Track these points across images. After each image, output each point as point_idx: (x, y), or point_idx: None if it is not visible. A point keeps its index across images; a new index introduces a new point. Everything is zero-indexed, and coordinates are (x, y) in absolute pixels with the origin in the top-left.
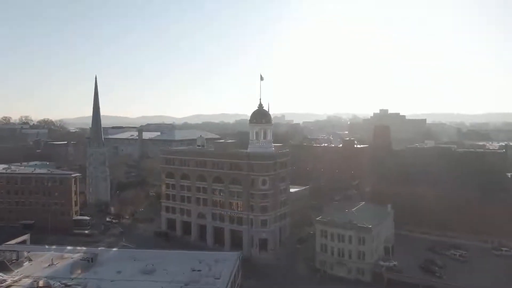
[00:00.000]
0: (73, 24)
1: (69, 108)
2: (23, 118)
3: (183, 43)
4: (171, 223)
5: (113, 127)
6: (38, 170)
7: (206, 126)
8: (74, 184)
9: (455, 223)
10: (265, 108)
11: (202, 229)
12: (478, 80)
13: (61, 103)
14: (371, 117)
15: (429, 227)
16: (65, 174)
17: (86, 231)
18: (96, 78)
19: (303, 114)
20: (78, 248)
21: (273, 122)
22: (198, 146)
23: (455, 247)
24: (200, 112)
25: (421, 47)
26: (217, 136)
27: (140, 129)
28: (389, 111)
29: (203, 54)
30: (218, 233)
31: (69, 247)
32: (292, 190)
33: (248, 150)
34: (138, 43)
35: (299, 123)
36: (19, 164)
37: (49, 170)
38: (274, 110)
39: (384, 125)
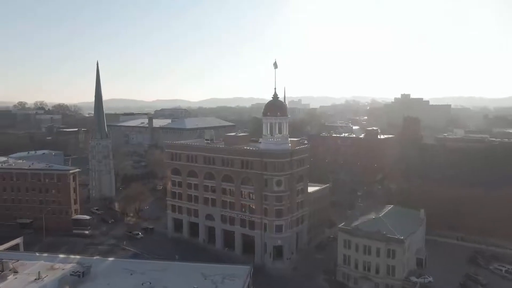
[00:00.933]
0: (89, 6)
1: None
2: (38, 103)
3: (199, 26)
4: (177, 224)
5: (124, 114)
6: (35, 165)
7: (221, 110)
8: (73, 180)
9: (497, 228)
10: (281, 94)
11: (211, 231)
12: (500, 62)
13: (80, 87)
14: (392, 102)
15: (467, 232)
16: (62, 169)
17: (86, 231)
18: (97, 65)
19: (320, 98)
20: (72, 257)
21: (289, 106)
22: (207, 140)
23: (498, 259)
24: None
25: (439, 28)
26: (231, 124)
27: (151, 117)
28: (410, 95)
29: (218, 37)
30: (228, 236)
31: (61, 256)
32: (310, 189)
33: (261, 147)
34: (155, 26)
35: (316, 108)
36: (26, 152)
37: (47, 164)
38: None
39: (413, 117)
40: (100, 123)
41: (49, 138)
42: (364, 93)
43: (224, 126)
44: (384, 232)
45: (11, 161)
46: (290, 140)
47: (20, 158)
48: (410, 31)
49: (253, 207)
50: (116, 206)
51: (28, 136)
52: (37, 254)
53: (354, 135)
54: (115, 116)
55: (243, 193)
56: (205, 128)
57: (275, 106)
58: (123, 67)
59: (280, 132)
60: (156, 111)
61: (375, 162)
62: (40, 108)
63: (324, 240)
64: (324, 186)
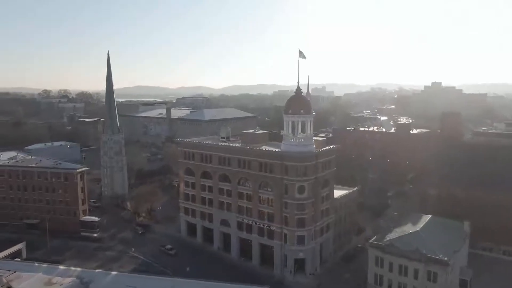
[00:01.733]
0: None
1: (117, 78)
2: (62, 91)
3: (220, 12)
4: (191, 228)
5: (143, 104)
6: (43, 162)
7: (243, 98)
8: (81, 179)
9: None
10: (304, 81)
11: (226, 237)
12: None
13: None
14: (422, 91)
15: None
16: (68, 168)
17: (95, 234)
18: (108, 55)
19: (344, 85)
20: (72, 269)
21: (312, 94)
22: (222, 138)
23: None
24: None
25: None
26: (251, 115)
27: (169, 108)
28: (441, 83)
29: (241, 22)
30: (245, 245)
31: (61, 267)
32: (336, 192)
33: (282, 148)
34: (178, 13)
35: (340, 96)
36: (43, 144)
37: (55, 161)
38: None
39: (454, 112)
40: (112, 117)
41: (69, 128)
42: (390, 80)
43: (243, 118)
44: (424, 251)
45: (19, 156)
46: (315, 140)
47: (36, 150)
48: (443, 11)
49: (272, 214)
50: (128, 205)
51: (48, 126)
52: (36, 264)
53: (383, 129)
54: (134, 107)
55: (261, 198)
56: (224, 119)
57: (298, 103)
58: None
59: (303, 131)
60: (177, 100)
61: (406, 159)
62: (64, 96)
63: (352, 250)
64: (352, 189)
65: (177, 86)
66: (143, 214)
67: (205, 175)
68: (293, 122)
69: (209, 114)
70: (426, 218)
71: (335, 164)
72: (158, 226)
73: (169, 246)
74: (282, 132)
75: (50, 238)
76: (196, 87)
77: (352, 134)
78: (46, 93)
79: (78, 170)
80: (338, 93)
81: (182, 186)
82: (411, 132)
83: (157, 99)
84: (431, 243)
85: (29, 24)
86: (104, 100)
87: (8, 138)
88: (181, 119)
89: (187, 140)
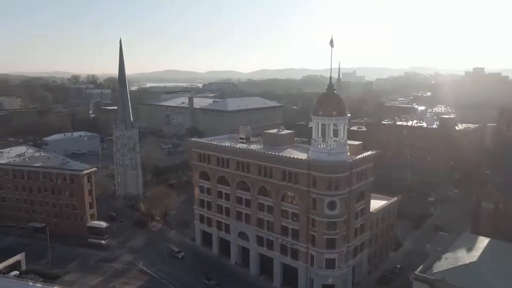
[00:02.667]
0: None
1: (147, 62)
2: (90, 77)
3: None
4: (206, 237)
5: (166, 92)
6: (51, 160)
7: (271, 83)
8: (88, 181)
9: None
10: (331, 64)
11: (245, 252)
12: None
13: (141, 58)
14: (462, 77)
15: None
16: (74, 169)
17: (103, 241)
18: (120, 43)
19: (376, 69)
20: None
21: (342, 80)
22: (242, 139)
23: None
24: (266, 66)
25: None
26: (278, 105)
27: (191, 97)
28: (484, 69)
29: (269, 6)
30: (265, 262)
31: None
32: (373, 203)
33: (310, 155)
34: None
35: (371, 81)
36: (62, 135)
37: (63, 160)
38: (343, 65)
39: None
40: (125, 110)
41: (93, 115)
42: (424, 63)
43: (269, 108)
44: None
45: (28, 153)
46: (349, 144)
47: (54, 141)
48: None
49: (297, 231)
50: (142, 206)
51: (71, 114)
52: (30, 283)
53: (424, 124)
54: (156, 95)
55: (284, 212)
56: (248, 110)
57: (330, 103)
58: (179, 38)
59: (335, 136)
60: (204, 86)
61: (451, 159)
62: (92, 82)
63: (389, 271)
64: (390, 200)
65: (205, 70)
66: (158, 218)
67: (222, 180)
68: (323, 126)
69: (233, 104)
70: (484, 242)
71: (372, 173)
72: (173, 233)
73: (177, 249)
74: (311, 124)
75: (56, 244)
76: (224, 71)
77: (388, 129)
78: (75, 79)
79: (84, 172)
80: (369, 78)
81: (197, 191)
82: (456, 127)
83: (184, 84)
84: (493, 278)
85: (66, 7)
86: (130, 86)
87: (32, 127)
88: (203, 109)
89: (202, 140)
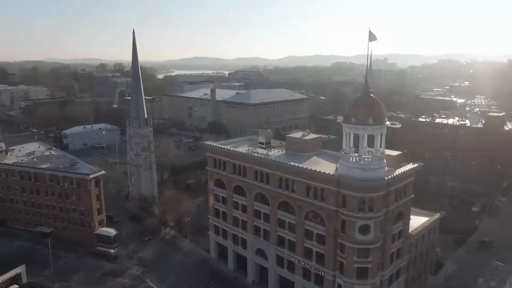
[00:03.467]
0: None
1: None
2: (117, 65)
3: None
4: (222, 249)
5: (189, 83)
6: (59, 161)
7: (298, 71)
8: (96, 186)
9: None
10: (359, 51)
11: (263, 270)
12: None
13: (169, 45)
14: (506, 64)
15: None
16: (81, 173)
17: (111, 250)
18: (134, 34)
19: (408, 56)
20: None
21: (373, 68)
22: (261, 144)
23: None
24: (293, 53)
25: None
26: (304, 97)
27: (213, 89)
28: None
29: None
30: (286, 285)
31: None
32: (412, 222)
33: (340, 169)
34: None
35: (404, 69)
36: (82, 127)
37: (74, 159)
38: (374, 51)
39: None
40: (139, 106)
41: (115, 106)
42: (461, 49)
43: (295, 101)
44: None
45: (38, 151)
46: (386, 155)
47: (73, 134)
48: None
49: (323, 256)
50: (156, 210)
51: (95, 104)
52: None
53: (467, 122)
54: (179, 86)
55: (308, 232)
56: (272, 103)
57: (366, 109)
58: (207, 25)
59: (370, 146)
60: (230, 74)
61: (498, 163)
62: (119, 70)
63: None
64: (433, 217)
65: (233, 57)
66: (172, 224)
67: (238, 190)
68: (356, 135)
69: (256, 96)
70: None
71: (413, 189)
72: (187, 243)
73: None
74: (339, 119)
75: (62, 252)
76: (252, 58)
77: (426, 127)
78: (103, 67)
79: (91, 176)
80: (401, 65)
81: (211, 199)
82: (505, 127)
83: (211, 72)
84: None
85: None
86: (155, 74)
87: (54, 118)
88: (225, 102)
89: (218, 145)
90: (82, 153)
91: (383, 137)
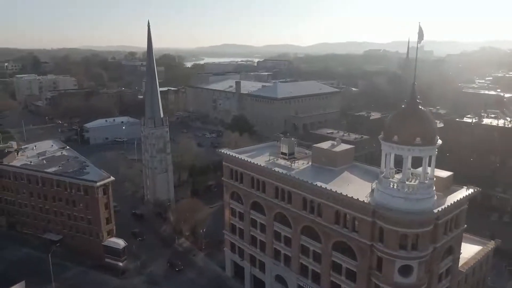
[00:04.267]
0: None
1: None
2: (146, 54)
3: None
4: (238, 269)
5: (215, 74)
6: (69, 164)
7: (329, 59)
8: (104, 193)
9: None
10: (399, 38)
11: None
12: None
13: (200, 31)
14: None
15: None
16: (88, 180)
17: (120, 263)
18: (149, 26)
19: (445, 43)
20: None
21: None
22: (283, 155)
23: None
24: (325, 40)
25: None
26: (335, 90)
27: (238, 82)
28: None
29: None
30: None
31: None
32: (463, 254)
33: (376, 197)
34: None
35: (442, 57)
36: (104, 120)
37: (84, 162)
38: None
39: None
40: (154, 105)
41: (140, 97)
42: (504, 36)
43: (325, 94)
44: None
45: (50, 151)
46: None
47: (94, 129)
48: None
49: None
50: (171, 217)
51: (119, 95)
52: None
53: None
54: (204, 77)
55: (335, 265)
56: (301, 97)
57: (413, 125)
58: (237, 11)
59: (414, 170)
60: (258, 63)
61: None
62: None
63: None
64: (486, 247)
65: (263, 44)
66: (187, 233)
67: (257, 207)
68: (399, 156)
69: (283, 90)
70: None
71: (465, 219)
72: (201, 257)
73: None
74: (373, 116)
75: (70, 263)
76: (282, 45)
77: (472, 129)
78: (132, 55)
79: (98, 184)
80: (438, 53)
81: (227, 213)
82: None
83: (239, 60)
84: None
85: None
86: (184, 63)
87: (78, 110)
88: (251, 95)
89: (234, 154)
90: (103, 148)
91: (433, 159)
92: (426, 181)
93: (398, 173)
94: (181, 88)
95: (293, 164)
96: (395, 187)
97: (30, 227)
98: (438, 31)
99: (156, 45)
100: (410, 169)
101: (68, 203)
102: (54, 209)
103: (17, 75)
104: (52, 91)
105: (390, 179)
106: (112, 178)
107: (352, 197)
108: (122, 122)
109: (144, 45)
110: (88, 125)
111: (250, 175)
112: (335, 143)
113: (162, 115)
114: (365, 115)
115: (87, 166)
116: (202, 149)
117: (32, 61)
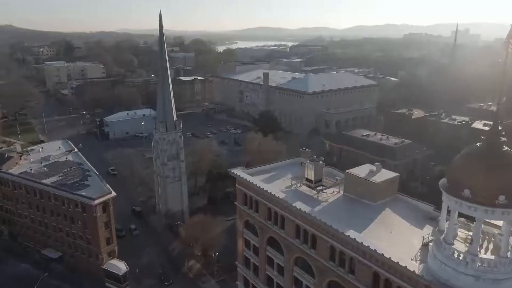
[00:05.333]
0: None
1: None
2: (177, 39)
3: None
4: None
5: (243, 63)
6: (71, 173)
7: (365, 43)
8: (104, 211)
9: None
10: (442, 20)
11: None
12: None
13: (234, 14)
14: None
15: None
16: (85, 197)
17: None
18: (160, 15)
19: (492, 26)
20: None
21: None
22: (308, 181)
23: None
24: (362, 22)
25: None
26: (372, 83)
27: (266, 73)
28: None
29: None
30: None
31: None
32: None
33: (431, 265)
34: None
35: (490, 42)
36: (126, 113)
37: (88, 171)
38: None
39: None
40: (166, 107)
41: None
42: None
43: (361, 88)
44: None
45: (55, 156)
46: None
47: (114, 123)
48: None
49: None
50: (183, 233)
51: (144, 85)
52: None
53: None
54: (230, 67)
55: None
56: (334, 91)
57: (493, 178)
58: None
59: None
60: (291, 48)
61: None
62: (178, 44)
63: None
64: None
65: (297, 27)
66: (198, 253)
67: (274, 243)
68: (463, 216)
69: (315, 83)
70: None
71: None
72: (212, 283)
73: None
74: (416, 115)
75: (69, 285)
76: (317, 27)
77: None
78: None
79: (96, 202)
80: (485, 37)
81: (240, 244)
82: None
83: (273, 44)
84: None
85: None
86: (216, 48)
87: (102, 101)
88: (279, 88)
89: (249, 179)
90: (122, 144)
91: None
92: (508, 255)
93: (460, 224)
94: (208, 76)
95: (319, 194)
96: (461, 258)
97: (31, 240)
98: (484, 11)
99: (189, 28)
100: (476, 241)
101: (67, 219)
102: (53, 224)
103: (46, 62)
104: (78, 80)
105: (455, 247)
106: (113, 194)
107: (398, 262)
108: (144, 115)
109: (176, 28)
110: (108, 118)
111: (267, 206)
112: (375, 168)
113: (175, 118)
114: (406, 113)
115: (90, 176)
116: (224, 148)
117: (65, 46)
